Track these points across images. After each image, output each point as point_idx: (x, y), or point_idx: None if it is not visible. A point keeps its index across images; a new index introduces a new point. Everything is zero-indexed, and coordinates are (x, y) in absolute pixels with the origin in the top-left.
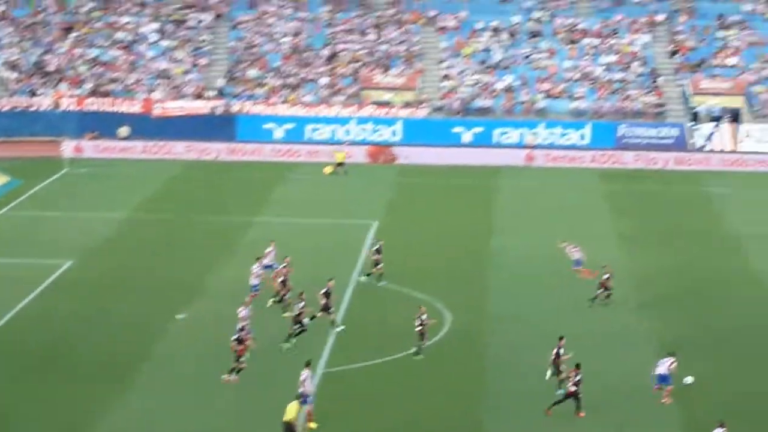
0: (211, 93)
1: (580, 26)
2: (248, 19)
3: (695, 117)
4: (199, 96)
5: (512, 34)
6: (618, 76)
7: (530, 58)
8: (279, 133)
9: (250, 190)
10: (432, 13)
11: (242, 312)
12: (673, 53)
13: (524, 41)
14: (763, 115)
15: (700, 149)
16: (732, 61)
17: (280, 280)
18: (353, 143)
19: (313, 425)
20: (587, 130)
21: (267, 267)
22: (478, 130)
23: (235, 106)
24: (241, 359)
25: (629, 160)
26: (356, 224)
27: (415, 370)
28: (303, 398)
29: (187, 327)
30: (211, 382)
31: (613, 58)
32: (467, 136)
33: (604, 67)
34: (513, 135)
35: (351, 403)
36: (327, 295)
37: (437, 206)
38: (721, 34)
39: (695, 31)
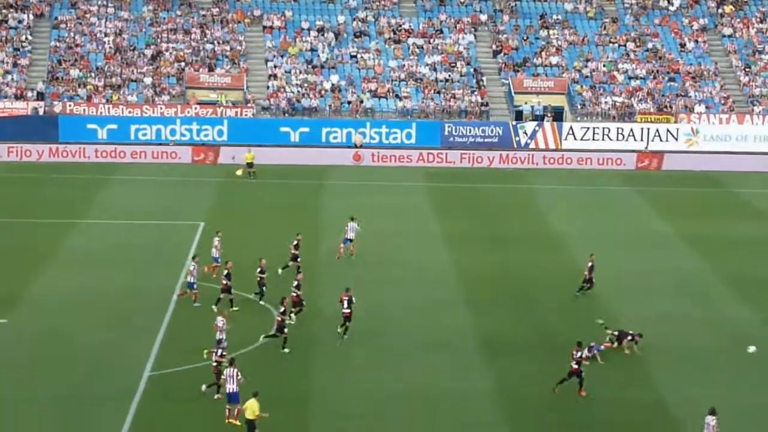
0: (32, 93)
1: (405, 26)
2: (69, 19)
3: (519, 116)
4: (20, 97)
5: (337, 34)
6: (443, 75)
7: (356, 58)
8: (102, 133)
9: (74, 192)
10: (257, 13)
11: (219, 323)
12: (496, 53)
13: (350, 41)
14: (584, 113)
15: (524, 147)
16: (554, 60)
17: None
18: (178, 143)
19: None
20: (413, 130)
21: (215, 259)
22: (305, 129)
23: (57, 107)
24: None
25: (455, 158)
26: (183, 225)
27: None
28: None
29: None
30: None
31: (437, 57)
32: (294, 136)
33: (429, 67)
34: (340, 134)
35: (178, 406)
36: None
37: (265, 206)
38: (543, 33)
39: (518, 30)
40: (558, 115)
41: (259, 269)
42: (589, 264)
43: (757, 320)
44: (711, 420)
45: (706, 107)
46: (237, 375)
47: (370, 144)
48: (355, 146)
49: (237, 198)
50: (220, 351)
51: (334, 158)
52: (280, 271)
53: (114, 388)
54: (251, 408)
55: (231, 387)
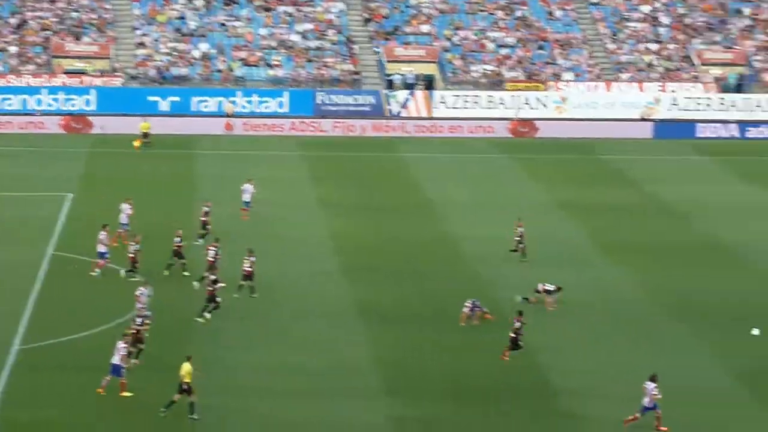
0: None
1: None
2: None
3: (390, 84)
4: None
5: (207, 2)
6: (314, 44)
7: (226, 26)
8: None
9: None
10: None
11: (141, 295)
12: (367, 20)
13: (219, 9)
14: (455, 81)
15: (396, 116)
16: (424, 28)
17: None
18: (45, 113)
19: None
20: (285, 98)
21: (123, 225)
22: (175, 98)
23: None
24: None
25: (328, 127)
26: (51, 197)
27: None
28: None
29: None
30: None
31: (308, 26)
32: (164, 105)
33: (300, 35)
34: (211, 103)
35: (48, 377)
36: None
37: (135, 177)
38: (413, 1)
39: None
40: (429, 84)
41: (177, 239)
42: (520, 230)
43: (629, 282)
44: (650, 385)
45: (575, 75)
46: (122, 349)
47: (241, 113)
48: (227, 115)
49: (107, 168)
50: (140, 320)
51: (205, 127)
52: (199, 241)
53: None
54: (186, 370)
55: (115, 359)
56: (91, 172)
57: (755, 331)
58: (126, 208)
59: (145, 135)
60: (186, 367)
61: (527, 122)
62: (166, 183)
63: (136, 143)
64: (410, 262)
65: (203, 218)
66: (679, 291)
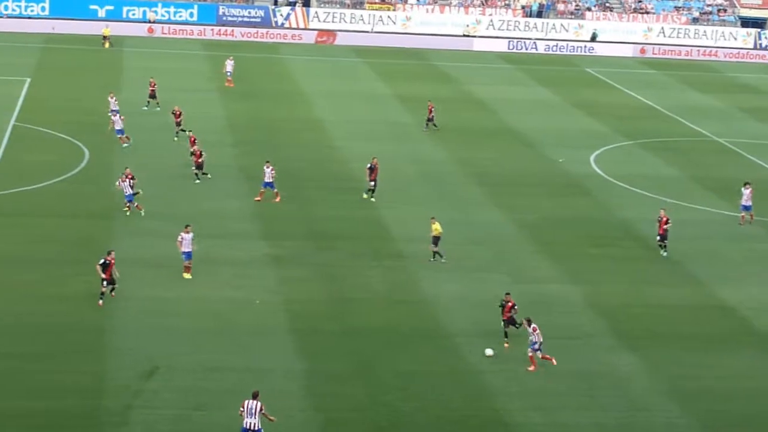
0: None
1: None
2: None
3: (276, 2)
4: None
5: None
6: None
7: None
8: None
9: None
10: None
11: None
12: None
13: None
14: (326, 1)
15: (281, 26)
16: None
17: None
18: (10, 17)
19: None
20: (195, 10)
21: (113, 111)
22: (111, 7)
23: None
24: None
25: (228, 33)
26: (11, 80)
27: (56, 197)
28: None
29: None
30: None
31: None
32: (102, 12)
33: None
34: (138, 12)
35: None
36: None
37: (80, 68)
38: None
39: None
40: (306, 2)
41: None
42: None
43: (446, 159)
44: (531, 329)
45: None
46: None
47: (161, 20)
48: (150, 22)
49: (55, 60)
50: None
51: (133, 30)
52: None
53: None
54: None
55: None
56: (42, 63)
57: (488, 352)
58: (112, 101)
59: (105, 37)
60: None
61: (376, 34)
62: (96, 74)
63: (106, 45)
64: (281, 137)
65: (152, 89)
66: (479, 164)
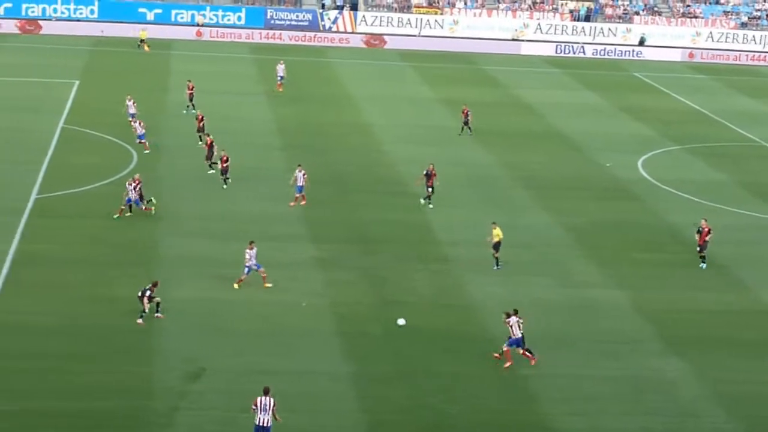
0: None
1: None
2: None
3: (323, 6)
4: None
5: None
6: None
7: None
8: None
9: None
10: None
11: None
12: None
13: None
14: (373, 5)
15: (328, 30)
16: None
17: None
18: (60, 19)
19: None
20: (243, 13)
21: (131, 115)
22: (159, 11)
23: None
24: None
25: (276, 37)
26: (60, 83)
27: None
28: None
29: None
30: None
31: None
32: (150, 15)
33: None
34: (186, 15)
35: (60, 222)
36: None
37: (128, 71)
38: None
39: None
40: (354, 6)
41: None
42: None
43: (492, 162)
44: (513, 320)
45: (465, 3)
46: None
47: (209, 24)
48: (198, 25)
49: (103, 63)
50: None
51: (182, 34)
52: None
53: (7, 206)
54: None
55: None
56: (90, 66)
57: (401, 322)
58: (130, 103)
59: (142, 40)
60: None
61: (424, 38)
62: (144, 76)
63: (147, 48)
64: (327, 138)
65: (190, 91)
66: (526, 167)
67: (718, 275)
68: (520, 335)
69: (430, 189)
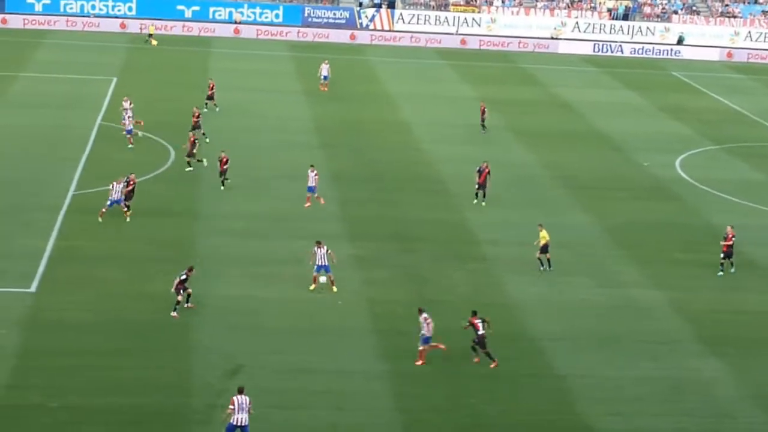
0: None
1: None
2: None
3: (361, 4)
4: None
5: None
6: None
7: None
8: (39, 6)
9: (15, 52)
10: None
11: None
12: None
13: None
14: (410, 3)
15: (366, 28)
16: None
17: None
18: (98, 16)
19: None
20: (280, 11)
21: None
22: (197, 8)
23: None
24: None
25: (313, 35)
26: (98, 80)
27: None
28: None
29: None
30: None
31: None
32: (188, 13)
33: None
34: (224, 12)
35: (96, 218)
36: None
37: (165, 68)
38: None
39: None
40: (391, 4)
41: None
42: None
43: (532, 162)
44: (422, 318)
45: (502, 1)
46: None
47: (247, 21)
48: (236, 22)
49: (141, 60)
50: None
51: (220, 31)
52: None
53: (44, 203)
54: None
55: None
56: (129, 63)
57: (322, 279)
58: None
59: (150, 35)
60: None
61: (465, 37)
62: (184, 73)
63: (154, 42)
64: (367, 137)
65: (210, 90)
66: (565, 167)
67: (758, 276)
68: (429, 336)
69: (477, 186)
